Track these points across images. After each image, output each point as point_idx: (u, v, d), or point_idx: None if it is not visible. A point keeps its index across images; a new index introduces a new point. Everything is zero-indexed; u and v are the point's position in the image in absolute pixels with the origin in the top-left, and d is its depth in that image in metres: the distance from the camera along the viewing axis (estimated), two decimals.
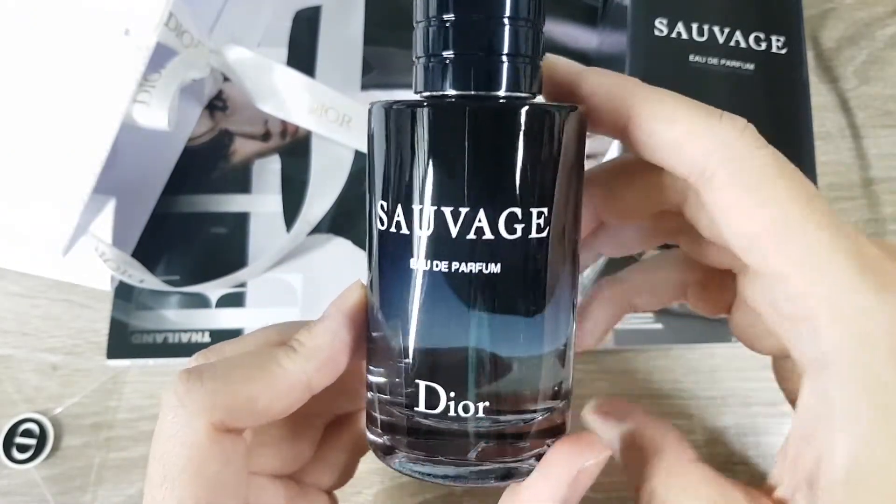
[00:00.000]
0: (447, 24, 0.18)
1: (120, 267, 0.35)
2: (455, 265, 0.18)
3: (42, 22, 0.33)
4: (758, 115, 0.32)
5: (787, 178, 0.18)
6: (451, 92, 0.18)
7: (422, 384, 0.19)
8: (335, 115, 0.40)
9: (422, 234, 0.18)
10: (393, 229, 0.18)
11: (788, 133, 0.32)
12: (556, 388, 0.20)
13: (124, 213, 0.37)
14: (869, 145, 0.42)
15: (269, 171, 0.41)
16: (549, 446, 0.20)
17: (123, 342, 0.38)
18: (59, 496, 0.35)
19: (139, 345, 0.38)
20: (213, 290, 0.39)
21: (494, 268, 0.18)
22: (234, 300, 0.39)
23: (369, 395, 0.20)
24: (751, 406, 0.37)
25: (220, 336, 0.38)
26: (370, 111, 0.19)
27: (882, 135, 0.43)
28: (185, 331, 0.38)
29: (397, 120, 0.18)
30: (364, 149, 0.41)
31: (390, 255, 0.19)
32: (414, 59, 0.19)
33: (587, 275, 0.36)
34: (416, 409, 0.19)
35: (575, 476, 0.19)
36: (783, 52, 0.33)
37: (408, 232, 0.18)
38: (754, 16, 0.34)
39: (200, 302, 0.39)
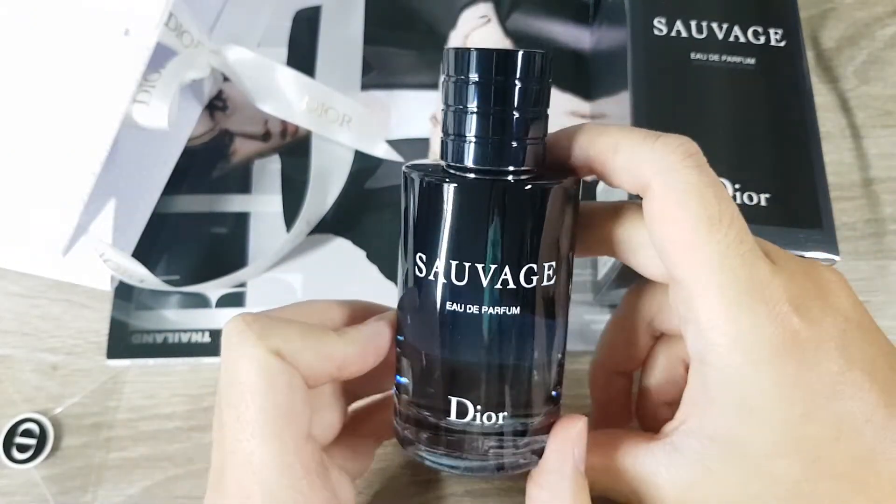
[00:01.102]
0: (471, 112, 0.22)
1: (120, 267, 0.35)
2: (485, 308, 0.22)
3: (42, 22, 0.33)
4: (761, 108, 0.32)
5: (701, 198, 0.21)
6: (471, 165, 0.22)
7: (454, 400, 0.23)
8: (335, 115, 0.40)
9: (457, 283, 0.22)
10: (431, 277, 0.22)
11: (793, 125, 0.32)
12: (554, 394, 0.24)
13: (124, 213, 0.37)
14: (869, 145, 0.42)
15: (269, 171, 0.41)
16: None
17: (123, 342, 0.38)
18: (59, 496, 0.35)
19: (139, 345, 0.38)
20: (213, 290, 0.39)
21: (515, 309, 0.22)
22: (234, 300, 0.39)
23: (397, 393, 0.25)
24: None
25: (219, 336, 0.38)
26: (416, 182, 0.23)
27: (882, 135, 0.43)
28: (185, 331, 0.38)
29: (430, 193, 0.22)
30: (364, 149, 0.41)
31: (427, 298, 0.23)
32: (443, 132, 0.23)
33: (602, 279, 0.36)
34: (447, 418, 0.23)
35: (573, 440, 0.23)
36: (782, 44, 0.33)
37: (445, 281, 0.22)
38: (751, 10, 0.34)
39: (200, 302, 0.39)
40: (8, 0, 0.33)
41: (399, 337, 0.25)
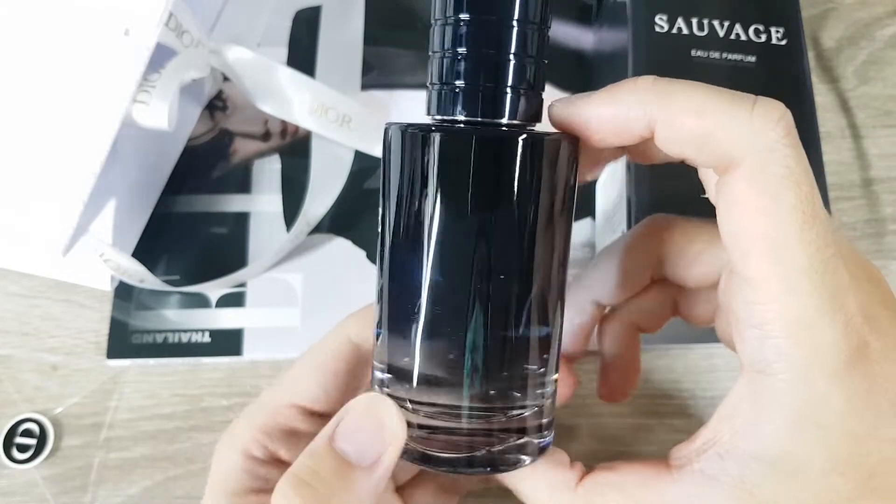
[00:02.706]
0: (460, 57, 0.20)
1: (120, 267, 0.35)
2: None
3: (42, 22, 0.33)
4: None
5: (798, 190, 0.18)
6: (460, 118, 0.20)
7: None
8: (335, 115, 0.40)
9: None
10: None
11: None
12: (541, 390, 0.22)
13: (124, 213, 0.37)
14: (869, 145, 0.42)
15: (269, 171, 0.41)
16: (535, 439, 0.22)
17: (123, 342, 0.38)
18: (59, 496, 0.35)
19: (139, 345, 0.38)
20: (213, 290, 0.39)
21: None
22: (234, 300, 0.39)
23: (375, 389, 0.22)
24: None
25: (220, 336, 0.38)
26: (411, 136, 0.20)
27: (882, 135, 0.43)
28: (185, 331, 0.38)
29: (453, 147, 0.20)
30: (364, 149, 0.41)
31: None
32: (428, 84, 0.21)
33: None
34: (424, 405, 0.20)
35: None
36: (783, 42, 0.33)
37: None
38: (753, 8, 0.34)
39: (200, 302, 0.39)
40: (8, 0, 0.33)
41: (378, 330, 0.22)
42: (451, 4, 0.20)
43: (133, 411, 0.37)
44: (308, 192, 0.40)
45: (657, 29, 0.33)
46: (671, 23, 0.34)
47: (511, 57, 0.19)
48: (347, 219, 0.40)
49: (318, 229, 0.40)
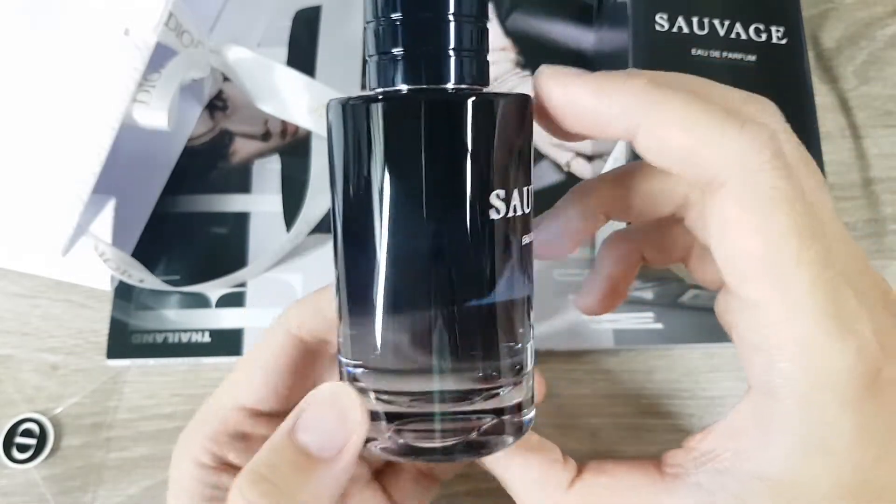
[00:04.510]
0: (396, 23, 0.19)
1: (120, 267, 0.35)
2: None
3: (42, 21, 0.33)
4: None
5: (792, 209, 0.18)
6: (403, 87, 0.19)
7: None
8: None
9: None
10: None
11: (792, 123, 0.32)
12: (516, 366, 0.21)
13: (124, 213, 0.37)
14: (869, 145, 0.42)
15: (269, 171, 0.41)
16: (514, 418, 0.21)
17: (123, 342, 0.38)
18: (59, 496, 0.35)
19: (139, 345, 0.38)
20: (213, 289, 0.39)
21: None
22: (234, 300, 0.39)
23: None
24: None
25: (220, 336, 0.38)
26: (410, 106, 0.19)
27: (882, 135, 0.43)
28: (185, 331, 0.38)
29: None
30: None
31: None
32: (367, 57, 0.20)
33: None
34: (395, 395, 0.20)
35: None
36: (783, 42, 0.33)
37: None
38: (753, 7, 0.34)
39: (200, 302, 0.39)
40: (8, 0, 0.33)
41: (339, 319, 0.21)
42: None
43: (133, 411, 0.37)
44: (308, 192, 0.40)
45: (657, 28, 0.33)
46: (671, 22, 0.34)
47: (450, 17, 0.19)
48: None
49: (318, 229, 0.40)
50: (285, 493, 0.19)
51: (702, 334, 0.38)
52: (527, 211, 0.20)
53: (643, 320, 0.38)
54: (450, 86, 0.19)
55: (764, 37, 0.34)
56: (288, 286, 0.39)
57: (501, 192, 0.19)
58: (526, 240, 0.20)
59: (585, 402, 0.35)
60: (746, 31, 0.34)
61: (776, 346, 0.18)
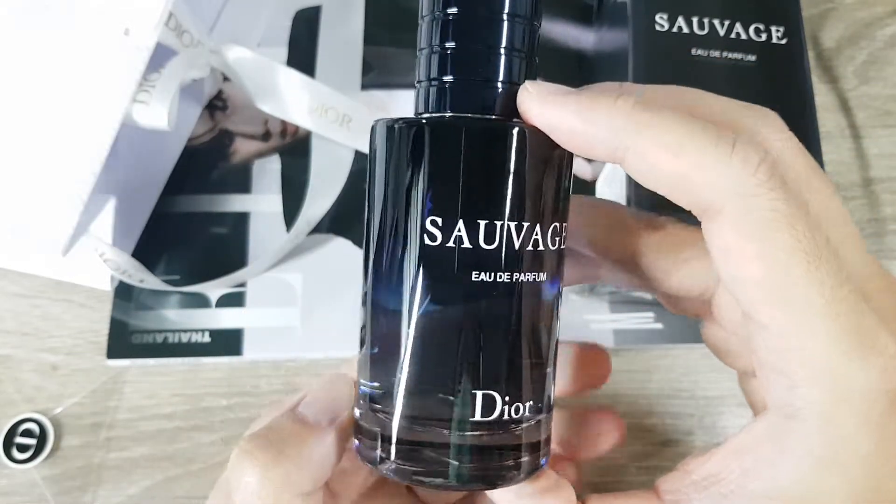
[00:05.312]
0: (449, 50, 0.19)
1: (120, 267, 0.35)
2: (516, 276, 0.19)
3: (42, 22, 0.33)
4: (762, 105, 0.32)
5: (793, 230, 0.17)
6: (448, 113, 0.19)
7: (479, 393, 0.19)
8: (335, 115, 0.40)
9: (463, 246, 0.19)
10: (451, 244, 0.19)
11: (792, 123, 0.32)
12: (538, 405, 0.21)
13: (124, 213, 0.37)
14: (869, 145, 0.42)
15: (269, 171, 0.41)
16: (530, 455, 0.20)
17: (123, 342, 0.38)
18: (59, 496, 0.35)
19: (139, 345, 0.38)
20: (213, 289, 0.39)
21: (542, 276, 0.19)
22: (234, 300, 0.39)
23: (361, 410, 0.21)
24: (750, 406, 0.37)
25: (220, 336, 0.38)
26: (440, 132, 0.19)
27: (882, 135, 0.43)
28: (185, 331, 0.38)
29: (480, 141, 0.19)
30: (364, 149, 0.41)
31: (444, 269, 0.19)
32: (416, 83, 0.20)
33: None
34: (414, 420, 0.20)
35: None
36: (783, 42, 0.33)
37: (470, 246, 0.19)
38: (753, 7, 0.34)
39: (200, 302, 0.39)
40: (8, 0, 0.33)
41: (374, 350, 0.21)
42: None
43: (133, 411, 0.37)
44: (308, 192, 0.40)
45: (657, 28, 0.33)
46: (671, 21, 0.34)
47: (502, 51, 0.19)
48: (347, 219, 0.40)
49: (318, 229, 0.40)
50: (280, 450, 0.21)
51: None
52: (562, 248, 0.20)
53: (643, 320, 0.38)
54: (492, 116, 0.19)
55: (764, 37, 0.34)
56: (288, 286, 0.39)
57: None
58: (562, 268, 0.21)
59: (585, 401, 0.35)
60: (746, 31, 0.34)
61: (795, 371, 0.18)
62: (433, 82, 0.20)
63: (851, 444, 0.18)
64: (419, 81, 0.20)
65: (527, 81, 0.20)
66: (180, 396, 0.37)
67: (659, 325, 0.38)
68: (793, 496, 0.18)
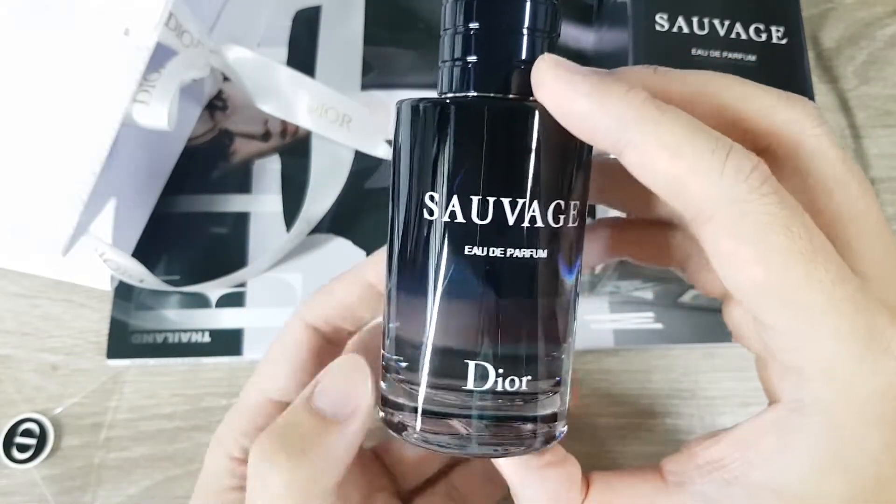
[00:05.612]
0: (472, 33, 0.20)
1: (120, 267, 0.35)
2: (511, 251, 0.19)
3: (42, 22, 0.33)
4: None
5: (788, 231, 0.17)
6: (473, 94, 0.20)
7: (471, 364, 0.20)
8: (335, 115, 0.40)
9: (480, 222, 0.19)
10: (447, 218, 0.19)
11: None
12: (555, 376, 0.21)
13: (124, 213, 0.37)
14: (869, 145, 0.42)
15: (269, 171, 0.41)
16: (546, 427, 0.21)
17: (123, 342, 0.38)
18: (59, 496, 0.35)
19: (139, 345, 0.38)
20: (213, 289, 0.39)
21: (542, 253, 0.20)
22: (234, 300, 0.39)
23: (388, 380, 0.22)
24: (750, 406, 0.37)
25: (220, 336, 0.38)
26: (415, 110, 0.20)
27: (882, 135, 0.43)
28: (185, 331, 0.38)
29: (463, 118, 0.20)
30: (364, 149, 0.41)
31: (443, 243, 0.20)
32: (440, 63, 0.21)
33: (599, 272, 0.36)
34: (435, 389, 0.20)
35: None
36: (783, 42, 0.33)
37: (464, 221, 0.19)
38: (753, 7, 0.34)
39: (200, 302, 0.39)
40: (8, 0, 0.33)
41: (397, 324, 0.21)
42: None
43: (133, 411, 0.37)
44: (308, 192, 0.41)
45: (657, 28, 0.33)
46: (672, 21, 0.34)
47: (524, 31, 0.20)
48: (347, 219, 0.40)
49: (318, 229, 0.40)
50: (300, 448, 0.21)
51: (702, 334, 0.38)
52: (583, 224, 0.21)
53: (643, 320, 0.38)
54: (513, 94, 0.20)
55: (764, 37, 0.34)
56: (288, 286, 0.39)
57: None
58: (581, 242, 0.21)
59: (585, 401, 0.35)
60: (746, 31, 0.34)
61: (803, 369, 0.18)
62: (457, 62, 0.20)
63: (857, 443, 0.18)
64: (444, 61, 0.21)
65: (545, 54, 0.20)
66: (180, 396, 0.37)
67: (659, 325, 0.38)
68: (795, 493, 0.18)
